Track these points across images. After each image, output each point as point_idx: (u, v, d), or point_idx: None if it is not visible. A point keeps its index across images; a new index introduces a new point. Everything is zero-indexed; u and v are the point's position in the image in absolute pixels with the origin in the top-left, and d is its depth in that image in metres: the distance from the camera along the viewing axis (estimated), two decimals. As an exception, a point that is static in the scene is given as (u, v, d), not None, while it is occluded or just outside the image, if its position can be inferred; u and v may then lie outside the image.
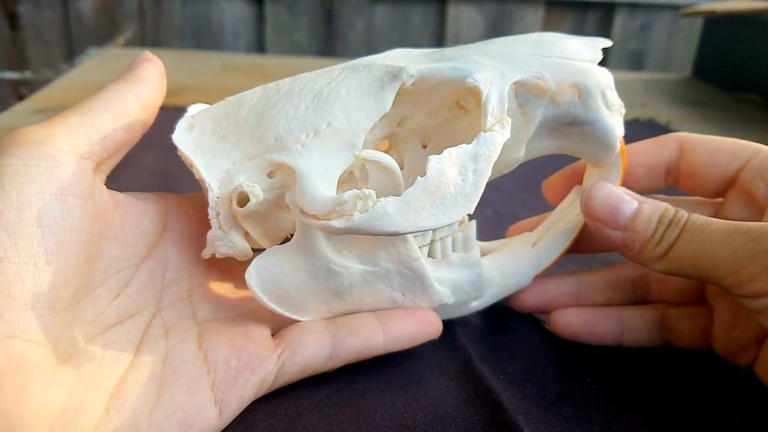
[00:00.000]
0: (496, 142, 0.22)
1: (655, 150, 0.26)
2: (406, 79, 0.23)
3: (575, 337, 0.27)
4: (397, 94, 0.23)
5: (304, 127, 0.23)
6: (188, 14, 1.16)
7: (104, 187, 0.22)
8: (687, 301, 0.27)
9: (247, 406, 0.23)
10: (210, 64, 0.85)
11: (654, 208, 0.23)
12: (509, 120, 0.23)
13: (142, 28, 1.14)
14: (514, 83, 0.23)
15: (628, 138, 0.27)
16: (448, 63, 0.24)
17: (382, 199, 0.21)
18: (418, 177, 0.21)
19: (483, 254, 0.27)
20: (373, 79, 0.23)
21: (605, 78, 0.25)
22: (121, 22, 1.13)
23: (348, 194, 0.21)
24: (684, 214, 0.22)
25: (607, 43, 0.26)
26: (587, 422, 0.23)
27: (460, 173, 0.21)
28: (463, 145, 0.22)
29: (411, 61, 0.24)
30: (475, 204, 0.22)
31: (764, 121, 0.69)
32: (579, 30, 1.25)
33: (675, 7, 1.22)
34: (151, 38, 1.15)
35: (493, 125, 0.22)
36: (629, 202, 0.23)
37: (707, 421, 0.24)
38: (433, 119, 0.26)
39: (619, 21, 1.24)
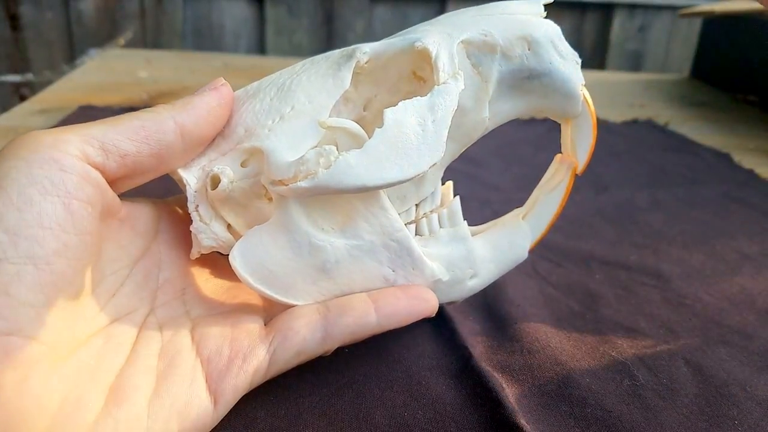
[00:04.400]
0: (450, 92, 0.23)
1: None
2: (360, 57, 0.24)
3: None
4: (357, 74, 0.25)
5: (270, 115, 0.23)
6: (189, 15, 1.17)
7: (115, 194, 0.22)
8: None
9: (248, 405, 0.23)
10: (211, 64, 0.85)
11: None
12: (461, 73, 0.24)
13: (143, 29, 1.14)
14: (463, 42, 0.24)
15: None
16: (399, 37, 0.25)
17: (344, 152, 0.21)
18: (376, 128, 0.22)
19: (473, 235, 0.27)
20: (330, 64, 0.25)
21: (552, 28, 0.25)
22: (122, 23, 1.13)
23: (309, 153, 0.21)
24: None
25: None
26: (585, 421, 0.23)
27: (419, 123, 0.22)
28: (418, 97, 0.23)
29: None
30: (440, 154, 0.23)
31: (763, 122, 0.69)
32: (578, 30, 1.25)
33: (674, 8, 1.22)
34: (152, 39, 1.16)
35: (446, 79, 0.23)
36: None
37: (704, 420, 0.24)
38: (396, 95, 0.26)
39: (618, 21, 1.24)
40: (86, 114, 0.58)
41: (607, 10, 1.24)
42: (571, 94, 0.26)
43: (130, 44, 1.13)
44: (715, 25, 0.85)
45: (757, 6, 0.71)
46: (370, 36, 1.20)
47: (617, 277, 0.34)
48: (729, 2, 0.79)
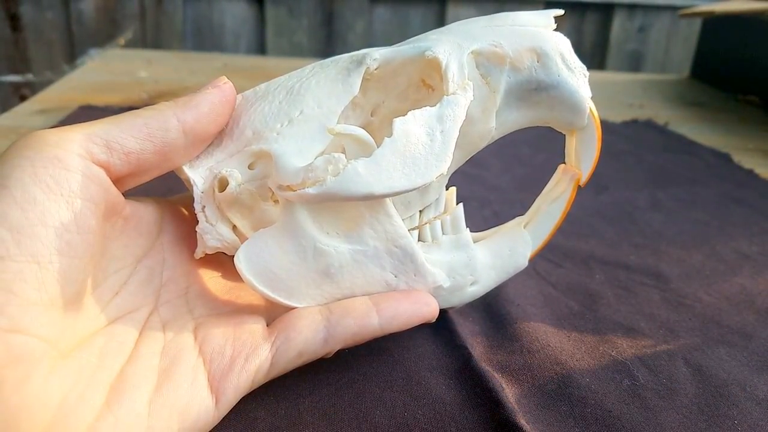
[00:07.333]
0: (459, 103, 0.23)
1: None
2: (370, 63, 0.24)
3: None
4: (366, 80, 0.25)
5: (278, 118, 0.23)
6: (189, 15, 1.17)
7: (119, 192, 0.22)
8: None
9: (249, 405, 0.23)
10: (211, 65, 0.85)
11: None
12: (471, 84, 0.24)
13: (143, 29, 1.15)
14: (473, 53, 0.24)
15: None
16: (409, 44, 0.25)
17: (352, 160, 0.21)
18: (386, 138, 0.22)
19: (475, 242, 0.28)
20: (340, 69, 0.25)
21: (561, 41, 0.26)
22: (122, 23, 1.13)
23: (318, 160, 0.21)
24: None
25: (559, 12, 0.27)
26: (585, 421, 0.23)
27: (427, 134, 0.22)
28: (427, 107, 0.23)
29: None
30: (447, 164, 0.23)
31: (763, 122, 0.69)
32: (578, 31, 1.25)
33: (673, 8, 1.23)
34: (152, 39, 1.16)
35: (456, 90, 0.23)
36: None
37: (703, 420, 0.24)
38: (404, 103, 0.26)
39: (618, 22, 1.24)
40: (86, 114, 0.58)
41: (607, 11, 1.24)
42: (577, 107, 0.26)
43: (130, 44, 1.13)
44: (715, 26, 0.85)
45: (758, 6, 0.71)
46: (370, 36, 1.20)
47: (617, 277, 0.34)
48: (729, 2, 0.79)
